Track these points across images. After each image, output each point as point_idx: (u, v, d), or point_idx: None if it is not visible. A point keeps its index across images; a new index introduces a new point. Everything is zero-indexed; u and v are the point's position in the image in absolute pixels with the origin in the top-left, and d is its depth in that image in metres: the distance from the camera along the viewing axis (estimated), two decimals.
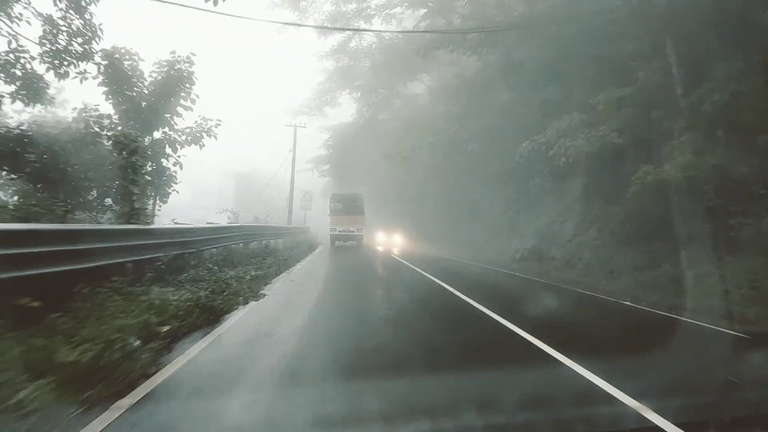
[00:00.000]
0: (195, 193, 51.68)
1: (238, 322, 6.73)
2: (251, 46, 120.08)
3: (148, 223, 8.45)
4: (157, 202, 15.16)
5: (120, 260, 7.26)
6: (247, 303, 8.20)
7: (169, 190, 15.60)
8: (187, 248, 10.23)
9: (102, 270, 6.80)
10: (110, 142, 9.73)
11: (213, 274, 10.15)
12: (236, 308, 7.67)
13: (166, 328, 5.73)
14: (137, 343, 5.04)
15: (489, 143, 26.06)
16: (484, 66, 27.59)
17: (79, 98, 14.77)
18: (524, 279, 14.12)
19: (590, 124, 17.28)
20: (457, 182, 29.73)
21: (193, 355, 5.02)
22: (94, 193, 13.03)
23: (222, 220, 21.15)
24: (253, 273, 11.20)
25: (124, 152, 8.54)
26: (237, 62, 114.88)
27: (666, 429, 3.40)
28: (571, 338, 6.35)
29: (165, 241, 9.06)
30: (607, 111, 16.81)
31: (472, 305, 8.58)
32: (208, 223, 14.00)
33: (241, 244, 16.79)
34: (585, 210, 18.06)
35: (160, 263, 8.45)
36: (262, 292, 9.50)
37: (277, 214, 34.31)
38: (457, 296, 9.78)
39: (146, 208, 8.97)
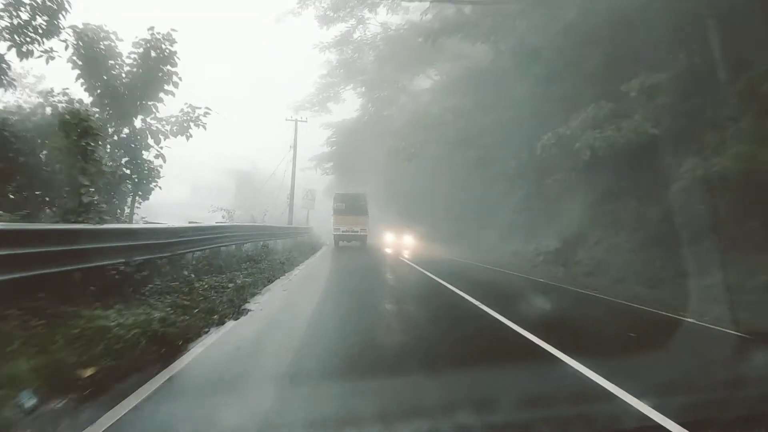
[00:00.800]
0: (194, 192, 50.28)
1: (202, 356, 4.96)
2: (248, 39, 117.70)
3: (100, 222, 6.76)
4: (137, 199, 13.49)
5: (52, 270, 5.56)
6: (223, 323, 6.49)
7: (152, 186, 13.88)
8: (159, 252, 8.54)
9: (23, 284, 5.11)
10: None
11: (189, 284, 8.46)
12: (207, 332, 5.95)
13: (89, 371, 4.02)
14: (31, 402, 3.35)
15: (502, 138, 24.33)
16: (497, 56, 25.87)
17: (61, 86, 13.12)
18: (558, 288, 12.23)
19: (621, 114, 15.56)
20: (469, 180, 28.01)
21: (109, 424, 3.29)
22: (68, 188, 11.32)
23: (215, 219, 19.48)
24: (238, 281, 9.49)
25: (73, 134, 6.87)
26: (235, 57, 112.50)
27: None
28: (658, 381, 4.60)
29: (125, 244, 7.37)
30: (641, 99, 15.09)
31: (515, 330, 6.74)
32: (190, 222, 12.27)
33: (233, 247, 15.10)
34: (614, 209, 16.30)
35: (114, 272, 6.75)
36: (246, 306, 7.80)
37: (278, 214, 32.66)
38: (491, 315, 8.01)
39: (99, 203, 7.27)
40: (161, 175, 14.01)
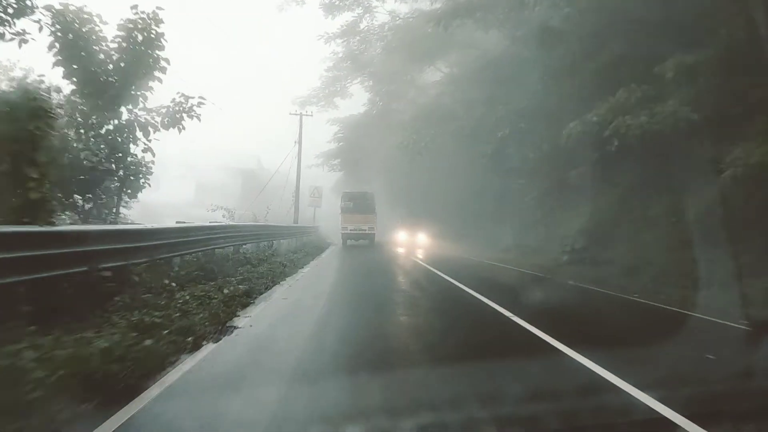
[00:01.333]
0: (199, 192, 49.26)
1: (151, 408, 3.54)
2: (251, 33, 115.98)
3: (52, 223, 5.53)
4: (123, 198, 12.29)
5: None
6: (199, 348, 5.21)
7: (142, 183, 12.67)
8: (133, 258, 7.28)
9: None
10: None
11: (170, 294, 7.22)
12: (174, 362, 4.67)
13: None
14: None
15: (519, 130, 22.88)
16: (512, 43, 24.40)
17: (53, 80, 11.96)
18: (597, 294, 10.84)
19: (655, 98, 14.13)
20: (483, 175, 26.58)
21: None
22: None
23: (213, 218, 18.29)
24: (226, 290, 8.16)
25: (21, 117, 5.64)
26: (237, 51, 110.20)
27: None
28: None
29: (87, 249, 6.12)
30: (677, 81, 13.66)
31: (579, 360, 5.31)
32: (177, 222, 11.05)
33: (230, 249, 13.86)
34: (647, 203, 14.88)
35: (66, 285, 5.51)
36: (233, 322, 6.55)
37: (283, 212, 31.47)
38: (539, 336, 6.68)
39: (51, 201, 6.03)
40: (152, 171, 12.82)
